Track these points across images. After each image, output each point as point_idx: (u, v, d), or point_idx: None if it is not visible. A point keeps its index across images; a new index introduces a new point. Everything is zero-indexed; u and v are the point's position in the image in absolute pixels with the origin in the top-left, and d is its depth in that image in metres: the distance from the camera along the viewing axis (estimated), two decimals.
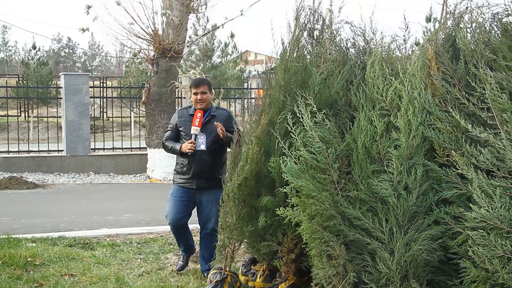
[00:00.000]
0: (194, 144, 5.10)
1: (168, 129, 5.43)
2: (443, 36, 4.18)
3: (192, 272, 5.48)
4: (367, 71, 4.19)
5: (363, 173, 3.83)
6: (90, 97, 16.13)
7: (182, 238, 5.49)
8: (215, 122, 5.14)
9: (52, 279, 5.22)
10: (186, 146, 5.11)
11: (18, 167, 14.15)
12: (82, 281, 5.22)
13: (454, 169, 3.63)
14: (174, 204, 5.33)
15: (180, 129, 5.31)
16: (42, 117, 20.27)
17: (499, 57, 3.73)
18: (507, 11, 3.93)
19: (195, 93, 5.24)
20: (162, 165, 13.51)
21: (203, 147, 5.17)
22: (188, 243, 5.53)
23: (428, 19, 19.70)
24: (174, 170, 5.42)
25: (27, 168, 14.24)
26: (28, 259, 5.74)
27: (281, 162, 4.05)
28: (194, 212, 5.43)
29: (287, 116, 4.15)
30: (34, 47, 29.30)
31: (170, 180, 13.45)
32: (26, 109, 23.75)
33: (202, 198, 5.27)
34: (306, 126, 3.94)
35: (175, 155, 5.39)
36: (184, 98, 15.12)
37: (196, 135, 5.15)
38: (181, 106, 16.11)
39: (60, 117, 15.91)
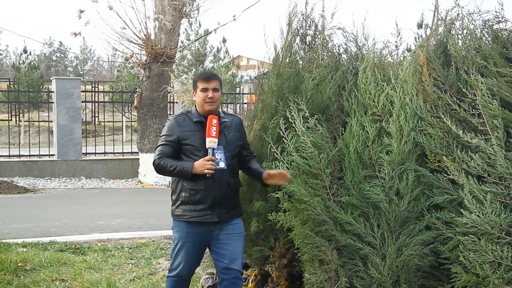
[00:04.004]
0: (214, 161, 3.77)
1: (164, 142, 3.89)
2: (435, 43, 4.20)
3: None
4: (359, 76, 4.20)
5: (355, 178, 3.84)
6: (82, 102, 16.10)
7: None
8: (268, 171, 3.92)
9: (43, 284, 5.19)
10: (203, 165, 3.72)
11: (8, 171, 14.07)
12: (73, 286, 5.19)
13: (445, 175, 3.65)
14: (187, 253, 3.88)
15: (184, 142, 3.86)
16: (33, 121, 20.18)
17: (490, 63, 3.75)
18: (498, 18, 3.96)
19: (204, 90, 3.86)
20: (153, 170, 13.47)
21: (222, 164, 3.82)
22: None
23: (420, 26, 19.79)
24: (177, 200, 3.91)
25: (17, 172, 14.17)
26: (19, 264, 5.71)
27: (274, 167, 4.06)
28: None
29: (279, 121, 4.16)
30: (25, 51, 29.23)
31: (162, 185, 13.42)
32: (17, 113, 23.65)
33: (221, 233, 3.89)
34: (299, 131, 3.95)
35: (173, 179, 4.01)
36: (176, 103, 15.12)
37: (213, 149, 3.79)
38: (173, 111, 16.09)
39: (52, 121, 15.85)
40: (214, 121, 3.81)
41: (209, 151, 3.77)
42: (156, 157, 3.89)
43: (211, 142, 3.77)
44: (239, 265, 3.92)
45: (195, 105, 3.98)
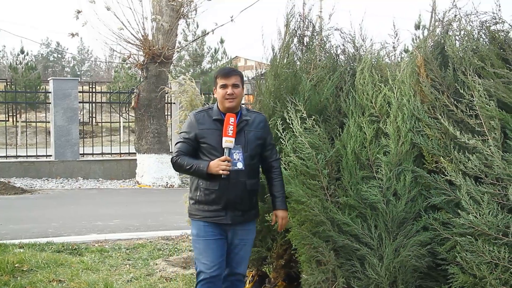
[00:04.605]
0: (230, 162, 3.64)
1: (182, 140, 3.78)
2: (432, 44, 4.20)
3: (181, 277, 5.46)
4: (356, 77, 4.21)
5: (353, 179, 3.84)
6: (79, 102, 16.08)
7: None
8: (277, 212, 3.90)
9: (40, 285, 5.18)
10: (218, 165, 3.60)
11: (5, 172, 14.06)
12: (70, 287, 5.19)
13: (442, 176, 3.65)
14: (208, 247, 3.73)
15: (201, 140, 3.74)
16: (31, 122, 20.16)
17: (487, 64, 3.76)
18: (495, 19, 3.97)
19: (224, 86, 3.72)
20: (151, 170, 13.49)
21: (240, 165, 3.71)
22: None
23: (417, 27, 19.84)
24: (192, 198, 3.83)
25: (14, 173, 14.15)
26: (16, 265, 5.70)
27: None
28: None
29: (277, 122, 4.16)
30: (22, 51, 29.21)
31: (159, 186, 13.41)
32: (14, 114, 23.63)
33: (235, 237, 3.81)
34: (296, 132, 3.95)
35: (191, 176, 3.89)
36: (174, 103, 15.11)
37: (230, 149, 3.67)
38: (171, 112, 16.09)
39: (49, 122, 15.84)
40: (232, 119, 3.67)
41: (225, 151, 3.65)
42: (174, 155, 3.79)
43: (227, 142, 3.64)
44: (244, 269, 3.92)
45: (217, 102, 3.85)
